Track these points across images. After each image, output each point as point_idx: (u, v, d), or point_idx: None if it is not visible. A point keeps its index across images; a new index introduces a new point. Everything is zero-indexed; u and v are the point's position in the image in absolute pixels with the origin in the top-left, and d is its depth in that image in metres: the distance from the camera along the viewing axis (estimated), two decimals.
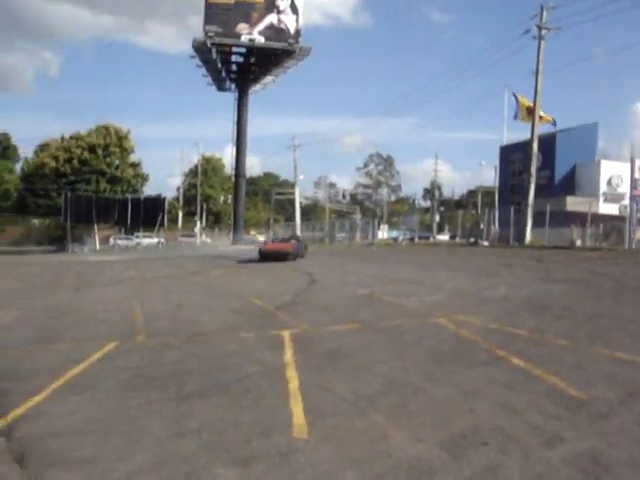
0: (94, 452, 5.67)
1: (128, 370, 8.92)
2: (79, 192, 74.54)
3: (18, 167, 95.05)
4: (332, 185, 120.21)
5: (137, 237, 73.82)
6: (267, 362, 9.21)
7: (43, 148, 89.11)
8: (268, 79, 73.31)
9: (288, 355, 9.57)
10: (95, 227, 70.40)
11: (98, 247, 68.96)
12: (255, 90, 73.98)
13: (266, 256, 33.57)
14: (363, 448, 5.57)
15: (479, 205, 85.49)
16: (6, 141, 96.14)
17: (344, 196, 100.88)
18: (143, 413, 6.79)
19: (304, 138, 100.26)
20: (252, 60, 70.75)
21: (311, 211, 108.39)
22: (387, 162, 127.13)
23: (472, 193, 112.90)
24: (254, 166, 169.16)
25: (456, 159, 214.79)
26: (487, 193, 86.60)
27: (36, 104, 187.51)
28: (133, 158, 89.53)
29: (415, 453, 5.42)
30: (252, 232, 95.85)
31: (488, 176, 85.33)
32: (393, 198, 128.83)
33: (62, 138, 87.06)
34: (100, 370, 8.98)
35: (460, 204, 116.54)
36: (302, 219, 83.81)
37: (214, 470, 5.16)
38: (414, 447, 5.57)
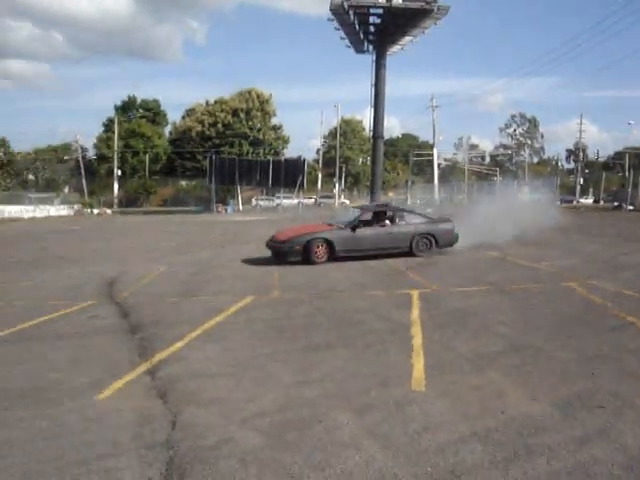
0: (226, 393, 6.24)
1: (261, 322, 9.52)
2: (223, 155, 77.02)
3: (167, 131, 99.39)
4: (473, 146, 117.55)
5: (278, 198, 75.72)
6: (393, 319, 9.51)
7: (189, 113, 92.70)
8: (406, 40, 71.88)
9: (414, 313, 9.82)
10: (238, 188, 72.77)
11: (241, 208, 71.43)
12: (393, 51, 73.06)
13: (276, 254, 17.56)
14: (477, 404, 5.77)
15: (626, 167, 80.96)
16: (156, 107, 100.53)
17: (484, 157, 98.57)
18: (272, 361, 7.31)
19: (444, 99, 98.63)
20: (390, 22, 69.84)
21: (450, 173, 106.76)
22: (531, 123, 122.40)
23: (619, 155, 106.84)
24: (393, 127, 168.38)
25: (603, 119, 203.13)
26: (636, 155, 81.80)
27: (183, 71, 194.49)
28: (274, 121, 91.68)
29: (528, 411, 5.56)
30: (390, 194, 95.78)
31: (638, 137, 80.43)
32: (535, 160, 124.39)
33: (207, 103, 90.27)
34: (236, 321, 9.65)
35: (606, 166, 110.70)
36: (440, 181, 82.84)
37: (334, 415, 5.53)
38: (528, 406, 5.70)
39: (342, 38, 72.61)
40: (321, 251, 16.61)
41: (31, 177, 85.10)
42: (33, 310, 10.99)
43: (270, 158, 77.98)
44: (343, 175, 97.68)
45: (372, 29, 73.62)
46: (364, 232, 17.35)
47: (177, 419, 5.55)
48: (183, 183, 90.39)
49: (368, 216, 18.33)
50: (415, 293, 11.53)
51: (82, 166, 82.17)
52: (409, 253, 17.51)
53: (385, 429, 5.21)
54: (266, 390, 6.27)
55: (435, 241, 17.84)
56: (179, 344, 8.20)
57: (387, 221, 17.99)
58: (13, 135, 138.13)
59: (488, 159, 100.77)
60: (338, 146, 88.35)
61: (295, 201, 74.15)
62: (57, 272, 16.68)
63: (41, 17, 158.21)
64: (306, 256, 16.46)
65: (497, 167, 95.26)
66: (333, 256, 16.69)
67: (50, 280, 15.19)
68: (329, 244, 16.72)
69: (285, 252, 16.73)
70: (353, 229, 17.19)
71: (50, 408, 5.96)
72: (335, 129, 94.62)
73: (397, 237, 17.61)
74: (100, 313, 10.65)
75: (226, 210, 67.09)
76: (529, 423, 5.27)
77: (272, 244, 17.46)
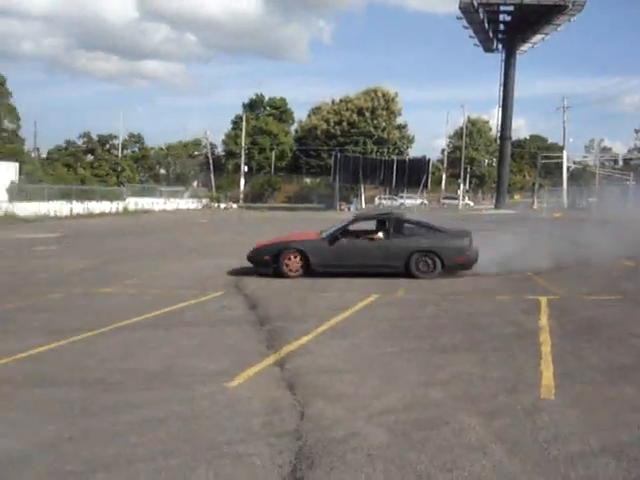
0: (352, 389, 6.32)
1: (386, 321, 9.58)
2: (347, 153, 77.61)
3: (293, 129, 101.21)
4: (605, 149, 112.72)
5: (401, 198, 75.54)
6: (521, 324, 9.31)
7: (315, 111, 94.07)
8: (537, 37, 69.97)
9: (543, 320, 9.58)
10: (362, 187, 73.09)
11: (364, 206, 71.67)
12: (523, 50, 71.14)
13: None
14: (609, 417, 5.55)
15: None
16: (283, 105, 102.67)
17: (616, 161, 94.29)
18: (398, 360, 7.34)
19: (575, 99, 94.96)
20: (520, 19, 67.78)
21: (580, 176, 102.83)
22: None
23: None
24: (521, 128, 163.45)
25: None
26: None
27: (309, 70, 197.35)
28: (399, 120, 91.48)
29: None
30: (516, 197, 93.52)
31: None
32: None
33: (332, 101, 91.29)
34: (361, 318, 9.75)
35: None
36: (569, 184, 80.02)
37: (459, 417, 5.49)
38: None
39: (471, 37, 71.41)
40: (293, 263, 14.31)
41: (162, 171, 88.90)
42: (166, 299, 11.54)
43: (394, 157, 77.79)
44: (467, 176, 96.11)
45: (502, 27, 72.02)
46: (347, 245, 14.61)
47: (305, 411, 5.66)
48: (307, 180, 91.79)
49: (359, 226, 15.81)
50: (543, 299, 11.22)
51: (211, 162, 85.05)
52: (406, 274, 14.23)
53: (513, 435, 5.10)
54: (392, 388, 6.29)
55: (440, 260, 14.26)
56: (306, 338, 8.37)
57: (380, 233, 15.01)
58: (147, 131, 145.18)
59: (621, 163, 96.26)
60: (464, 146, 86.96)
61: (418, 201, 73.68)
62: (186, 263, 17.39)
63: (176, 19, 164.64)
64: (277, 268, 14.38)
65: (631, 171, 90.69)
66: (309, 270, 14.39)
67: (180, 271, 15.87)
68: (304, 256, 14.39)
69: (254, 262, 14.88)
70: (331, 241, 14.56)
71: (184, 392, 6.23)
72: (461, 129, 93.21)
73: (389, 253, 14.46)
74: (228, 304, 11.04)
75: (349, 208, 67.48)
76: None
77: (249, 253, 15.12)
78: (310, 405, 5.81)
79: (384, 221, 15.34)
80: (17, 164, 51.27)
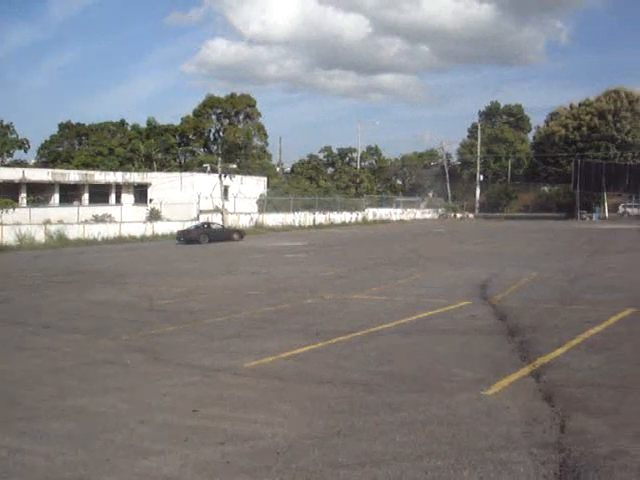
0: (613, 405, 6.12)
1: None
2: (588, 159, 73.88)
3: (530, 136, 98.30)
4: None
5: None
6: None
7: (553, 117, 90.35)
8: None
9: None
10: (604, 194, 69.22)
11: (607, 215, 67.79)
12: None
13: None
14: None
15: None
16: (519, 112, 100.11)
17: None
18: None
19: None
20: None
21: None
22: None
23: None
24: None
25: None
26: None
27: (546, 74, 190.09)
28: None
29: None
30: None
31: None
32: None
33: (571, 106, 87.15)
34: (617, 333, 9.32)
35: None
36: None
37: None
38: None
39: None
40: None
41: (399, 182, 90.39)
42: (415, 306, 11.92)
43: None
44: None
45: None
46: None
47: (565, 424, 5.61)
48: (545, 188, 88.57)
49: None
50: None
51: (446, 171, 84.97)
52: None
53: None
54: None
55: None
56: (560, 350, 8.22)
57: None
58: (384, 143, 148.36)
59: None
60: None
61: None
62: (430, 273, 17.72)
63: (409, 32, 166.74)
64: None
65: None
66: None
67: (425, 279, 16.22)
68: None
69: None
70: None
71: (442, 397, 6.44)
72: None
73: None
74: (477, 313, 11.11)
75: (591, 217, 64.25)
76: None
77: None
78: (570, 418, 5.74)
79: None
80: (265, 178, 55.14)
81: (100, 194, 51.53)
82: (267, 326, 10.60)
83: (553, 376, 7.08)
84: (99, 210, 45.12)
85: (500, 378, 6.97)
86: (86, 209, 45.47)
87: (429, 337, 9.41)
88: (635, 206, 71.59)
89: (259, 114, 73.72)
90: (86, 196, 51.06)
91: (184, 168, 63.71)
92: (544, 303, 12.12)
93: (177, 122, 73.34)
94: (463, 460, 4.88)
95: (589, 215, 65.04)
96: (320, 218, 52.66)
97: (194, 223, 39.85)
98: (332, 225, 51.79)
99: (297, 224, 49.29)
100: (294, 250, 26.53)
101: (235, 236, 36.62)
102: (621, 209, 71.90)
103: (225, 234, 37.01)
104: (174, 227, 39.97)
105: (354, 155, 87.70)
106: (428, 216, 69.55)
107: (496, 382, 6.83)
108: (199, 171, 53.98)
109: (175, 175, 52.91)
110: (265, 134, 73.96)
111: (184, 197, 46.35)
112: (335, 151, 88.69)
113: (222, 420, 5.98)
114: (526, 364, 7.60)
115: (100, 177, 52.67)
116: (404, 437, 5.39)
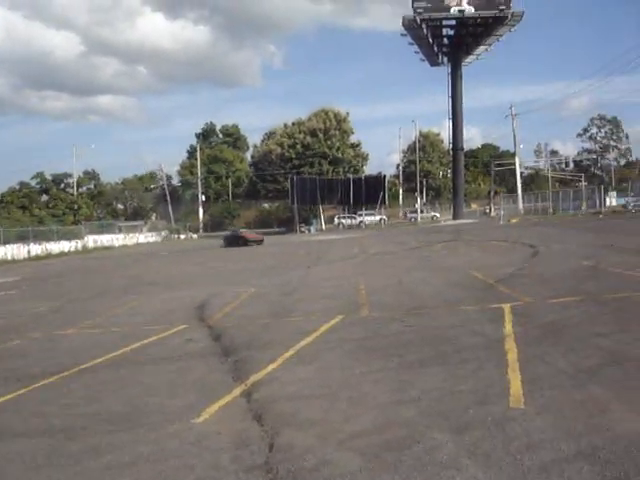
0: (322, 415, 6.20)
1: (352, 341, 9.47)
2: (304, 175, 77.79)
3: (248, 155, 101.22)
4: (554, 153, 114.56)
5: (360, 215, 75.84)
6: (486, 334, 9.29)
7: (270, 136, 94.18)
8: (481, 49, 71.32)
9: (507, 328, 9.57)
10: (320, 208, 73.33)
11: (324, 227, 71.85)
12: (468, 62, 72.40)
13: None
14: (580, 421, 5.52)
15: None
16: (236, 132, 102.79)
17: (567, 163, 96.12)
18: (366, 381, 7.24)
19: (523, 106, 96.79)
20: (463, 32, 69.24)
21: (532, 181, 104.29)
22: (613, 124, 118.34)
23: None
24: (474, 137, 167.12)
25: None
26: None
27: (262, 95, 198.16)
28: (353, 139, 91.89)
29: (636, 428, 5.26)
30: (473, 205, 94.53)
31: None
32: (622, 162, 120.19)
33: (285, 125, 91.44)
34: (327, 341, 9.62)
35: None
36: (524, 189, 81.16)
37: (432, 435, 5.41)
38: (635, 422, 5.40)
39: (416, 52, 72.30)
40: None
41: (120, 206, 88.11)
42: (129, 337, 11.34)
43: (350, 176, 78.27)
44: (424, 189, 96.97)
45: (446, 41, 73.17)
46: None
47: (275, 441, 5.53)
48: (266, 205, 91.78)
49: None
50: (506, 307, 11.24)
51: (167, 193, 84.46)
52: None
53: (486, 448, 5.04)
54: (362, 410, 6.17)
55: None
56: (272, 366, 8.21)
57: None
58: (102, 167, 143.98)
59: (572, 165, 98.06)
60: (418, 161, 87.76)
61: (377, 218, 74.11)
62: (150, 298, 17.18)
63: (126, 53, 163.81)
64: None
65: (581, 173, 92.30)
66: None
67: (141, 305, 15.66)
68: None
69: None
70: None
71: (151, 432, 6.06)
72: (413, 143, 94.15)
73: None
74: (193, 336, 10.87)
75: (309, 230, 67.57)
76: (638, 440, 5.01)
77: None
78: (279, 435, 5.67)
79: None
80: None
81: None
82: None
83: (264, 393, 7.02)
84: None
85: (211, 403, 6.74)
86: None
87: (142, 368, 8.93)
88: (348, 217, 76.74)
89: None
90: None
91: None
92: (260, 319, 12.21)
93: None
94: None
95: (307, 228, 68.31)
96: (36, 249, 49.46)
97: None
98: (50, 256, 48.85)
99: (10, 257, 45.87)
100: (4, 287, 24.38)
101: None
102: (337, 220, 76.62)
103: None
104: None
105: (70, 181, 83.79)
106: (152, 239, 68.42)
107: (207, 408, 6.58)
108: None
109: None
110: None
111: None
112: (49, 177, 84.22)
113: None
114: (238, 384, 7.47)
115: None
116: None
